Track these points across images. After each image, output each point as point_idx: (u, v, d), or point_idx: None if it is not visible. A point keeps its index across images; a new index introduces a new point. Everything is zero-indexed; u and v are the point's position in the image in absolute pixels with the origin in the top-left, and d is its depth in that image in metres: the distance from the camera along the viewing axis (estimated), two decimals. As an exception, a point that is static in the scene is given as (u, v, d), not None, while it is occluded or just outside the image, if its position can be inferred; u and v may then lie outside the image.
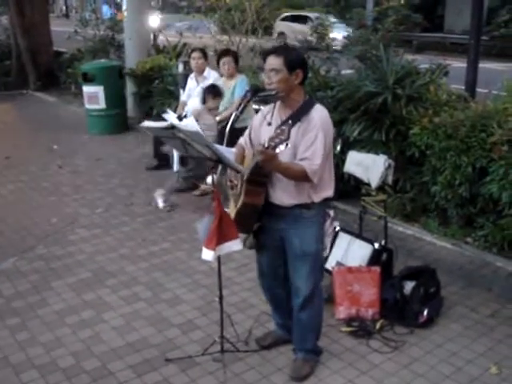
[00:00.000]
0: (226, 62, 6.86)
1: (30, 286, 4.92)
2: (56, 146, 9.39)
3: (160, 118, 3.79)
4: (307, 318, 3.69)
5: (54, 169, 8.23)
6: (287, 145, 3.11)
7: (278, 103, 3.48)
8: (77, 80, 11.97)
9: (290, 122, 3.24)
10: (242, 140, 3.70)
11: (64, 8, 50.88)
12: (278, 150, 3.19)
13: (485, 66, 8.46)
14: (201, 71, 7.39)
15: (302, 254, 3.52)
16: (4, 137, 10.12)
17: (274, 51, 3.39)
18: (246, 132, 3.68)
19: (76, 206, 6.80)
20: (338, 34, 14.98)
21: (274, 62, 3.33)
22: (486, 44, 16.22)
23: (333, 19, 13.90)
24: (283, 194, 3.45)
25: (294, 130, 3.29)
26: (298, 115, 3.35)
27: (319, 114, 3.36)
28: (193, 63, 7.41)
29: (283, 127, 3.10)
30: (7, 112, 12.48)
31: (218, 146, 3.38)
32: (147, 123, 3.72)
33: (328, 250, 3.69)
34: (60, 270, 5.21)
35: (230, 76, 6.92)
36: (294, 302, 3.68)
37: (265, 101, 3.93)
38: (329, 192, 3.52)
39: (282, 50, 3.41)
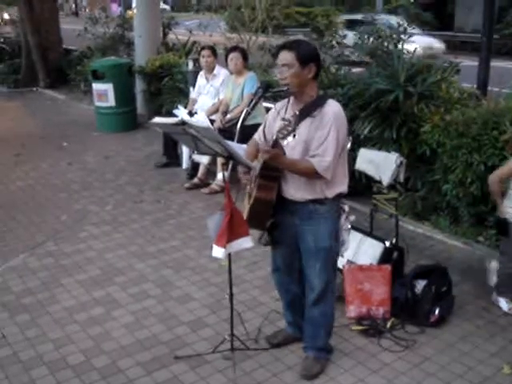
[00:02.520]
0: (234, 57, 6.83)
1: (39, 283, 4.92)
2: (66, 144, 9.41)
3: (170, 116, 3.78)
4: (319, 314, 3.67)
5: (64, 166, 8.23)
6: (294, 136, 3.15)
7: (292, 98, 3.45)
8: (86, 78, 11.97)
9: (296, 112, 3.25)
10: (257, 136, 3.68)
11: (73, 6, 51.00)
12: (285, 142, 3.21)
13: (495, 64, 8.40)
14: (210, 69, 7.39)
15: (315, 250, 3.50)
16: (14, 134, 10.14)
17: (286, 46, 3.35)
18: (261, 128, 3.66)
19: (85, 203, 6.80)
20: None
21: (286, 56, 3.30)
22: (496, 42, 16.09)
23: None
24: (295, 189, 3.43)
25: (306, 126, 3.30)
26: (310, 108, 3.33)
27: (333, 109, 3.33)
28: (202, 61, 7.40)
29: (290, 118, 3.11)
30: (17, 109, 12.50)
31: (229, 142, 3.36)
32: (157, 119, 3.71)
33: (347, 245, 3.67)
34: (69, 266, 5.21)
35: (239, 73, 6.90)
36: (308, 298, 3.67)
37: (274, 97, 3.92)
38: (342, 187, 3.50)
39: (295, 44, 3.36)
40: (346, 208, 3.57)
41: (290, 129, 3.13)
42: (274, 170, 3.37)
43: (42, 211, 6.55)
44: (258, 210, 3.46)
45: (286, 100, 3.52)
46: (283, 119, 3.39)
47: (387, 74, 6.23)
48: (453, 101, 5.90)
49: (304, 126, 3.30)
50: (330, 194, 3.44)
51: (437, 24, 22.53)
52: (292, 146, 3.35)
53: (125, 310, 4.50)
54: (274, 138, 3.19)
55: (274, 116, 3.55)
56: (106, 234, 5.90)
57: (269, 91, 3.42)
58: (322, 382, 3.65)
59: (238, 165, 3.58)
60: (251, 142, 3.68)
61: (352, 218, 3.63)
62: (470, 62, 9.03)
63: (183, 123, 3.36)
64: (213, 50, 7.48)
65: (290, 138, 3.22)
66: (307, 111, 3.32)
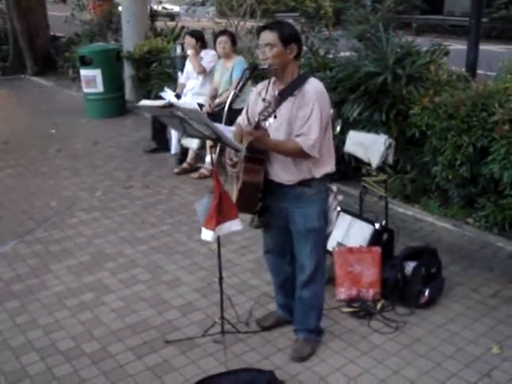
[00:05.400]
0: (222, 41, 6.78)
1: (29, 270, 4.90)
2: (54, 131, 9.35)
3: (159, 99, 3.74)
4: (310, 296, 3.68)
5: (53, 153, 8.19)
6: (275, 117, 3.18)
7: (273, 79, 3.45)
8: (74, 64, 11.90)
9: (276, 93, 3.27)
10: (240, 119, 3.67)
11: (61, -8, 50.47)
12: (267, 124, 3.20)
13: (484, 48, 8.39)
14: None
15: (305, 232, 3.50)
16: (2, 122, 10.05)
17: (268, 26, 3.36)
18: (244, 110, 3.65)
19: (75, 189, 6.77)
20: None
21: (268, 36, 3.30)
22: (485, 26, 16.06)
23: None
24: (282, 171, 3.42)
25: (287, 105, 3.30)
26: (291, 88, 3.33)
27: (314, 86, 3.32)
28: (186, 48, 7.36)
29: (271, 99, 3.14)
30: (5, 97, 12.39)
31: (217, 125, 3.34)
32: (144, 102, 3.67)
33: (333, 225, 3.68)
34: (59, 253, 5.19)
35: (227, 56, 6.84)
36: (299, 279, 3.67)
37: (261, 78, 3.91)
38: (329, 167, 3.49)
39: (276, 24, 3.38)
40: (334, 188, 3.57)
41: (270, 110, 3.14)
42: (259, 152, 3.36)
43: (32, 198, 6.51)
44: (246, 193, 3.45)
45: (266, 81, 3.52)
46: (264, 100, 3.39)
47: (376, 56, 6.21)
48: (442, 83, 5.88)
49: (285, 106, 3.30)
50: (318, 173, 3.43)
51: (426, 7, 22.48)
52: (276, 127, 3.34)
53: (115, 295, 4.49)
54: (256, 120, 3.19)
55: (256, 97, 3.54)
56: (95, 219, 5.88)
57: (256, 70, 3.41)
58: (313, 363, 3.66)
59: (227, 148, 3.56)
60: (236, 125, 3.66)
61: (340, 197, 3.63)
62: (460, 46, 9.00)
63: (170, 105, 3.33)
64: (195, 37, 7.34)
65: (271, 120, 3.24)
66: (288, 91, 3.32)
